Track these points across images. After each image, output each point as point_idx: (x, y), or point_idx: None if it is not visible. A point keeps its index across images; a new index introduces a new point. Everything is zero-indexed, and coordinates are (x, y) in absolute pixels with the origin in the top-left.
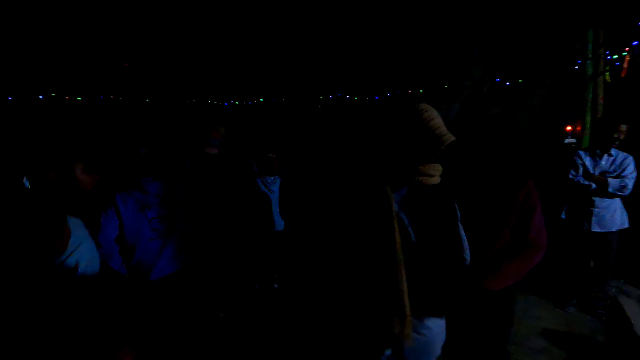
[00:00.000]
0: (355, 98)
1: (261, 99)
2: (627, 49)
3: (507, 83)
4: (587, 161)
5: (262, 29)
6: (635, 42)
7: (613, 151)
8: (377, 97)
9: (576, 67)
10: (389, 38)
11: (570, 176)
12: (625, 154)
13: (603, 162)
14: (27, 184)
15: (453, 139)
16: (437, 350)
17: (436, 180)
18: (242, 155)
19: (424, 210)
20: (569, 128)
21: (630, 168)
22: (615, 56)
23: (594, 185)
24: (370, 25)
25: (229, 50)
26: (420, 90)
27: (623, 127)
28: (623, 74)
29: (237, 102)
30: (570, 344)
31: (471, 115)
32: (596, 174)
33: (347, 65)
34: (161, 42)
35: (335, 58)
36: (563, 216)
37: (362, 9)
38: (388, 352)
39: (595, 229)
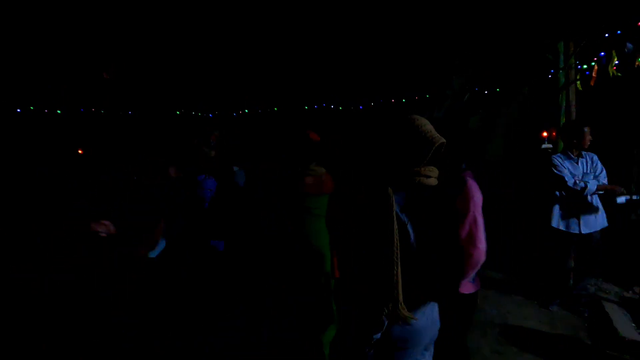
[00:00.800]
0: (340, 108)
1: (259, 110)
2: (594, 59)
3: (486, 92)
4: (568, 165)
5: (252, 46)
6: (602, 53)
7: (584, 153)
8: (361, 107)
9: (549, 76)
10: (373, 49)
11: (570, 184)
12: (590, 153)
13: (580, 165)
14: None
15: (443, 140)
16: (425, 339)
17: (434, 182)
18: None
19: (423, 211)
20: (545, 134)
21: (600, 166)
22: (585, 66)
23: (590, 185)
24: (355, 36)
25: (226, 60)
26: (403, 100)
27: (587, 130)
28: (592, 83)
29: (234, 113)
30: (556, 341)
31: (453, 123)
32: (579, 176)
33: (333, 76)
34: (169, 53)
35: (321, 69)
36: (554, 224)
37: (348, 20)
38: (377, 336)
39: (584, 230)
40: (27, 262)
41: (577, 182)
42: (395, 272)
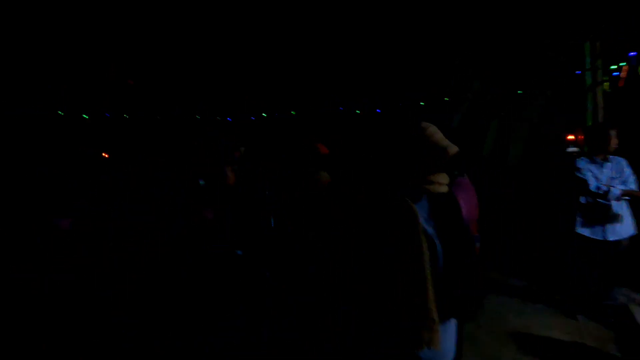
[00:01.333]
0: (357, 112)
1: (264, 114)
2: (623, 60)
3: (507, 94)
4: (593, 169)
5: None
6: (632, 53)
7: (610, 157)
8: (378, 110)
9: (574, 77)
10: (388, 50)
11: (592, 188)
12: (618, 157)
13: (605, 169)
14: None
15: (457, 149)
16: (451, 354)
17: (445, 189)
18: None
19: (443, 220)
20: (571, 137)
21: (629, 171)
22: (614, 67)
23: (614, 190)
24: (368, 35)
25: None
26: (422, 103)
27: (613, 133)
28: (621, 84)
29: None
30: (582, 353)
31: (472, 126)
32: (604, 181)
33: (332, 76)
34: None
35: (320, 69)
36: (578, 230)
37: (348, 20)
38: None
39: (611, 237)
40: (27, 262)
41: (601, 186)
42: (428, 290)
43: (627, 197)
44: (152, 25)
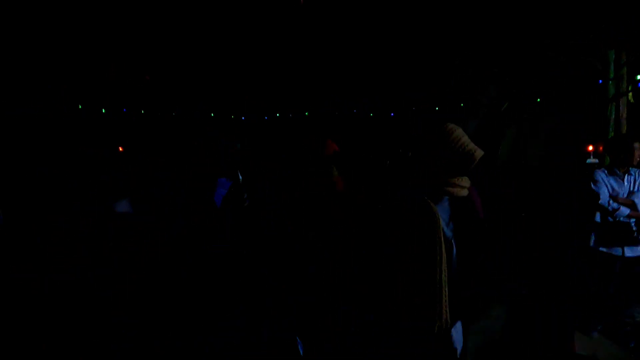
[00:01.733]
0: (371, 115)
1: (277, 114)
2: None
3: (525, 102)
4: (612, 182)
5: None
6: None
7: (631, 170)
8: (392, 114)
9: (598, 87)
10: (388, 50)
11: (602, 202)
12: None
13: (626, 183)
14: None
15: (482, 153)
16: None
17: (465, 192)
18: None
19: (461, 223)
20: (590, 148)
21: None
22: (639, 77)
23: (623, 209)
24: (368, 35)
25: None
26: (437, 108)
27: (637, 145)
28: None
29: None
30: None
31: (487, 133)
32: (623, 195)
33: (346, 78)
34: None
35: (334, 70)
36: (593, 244)
37: (360, 19)
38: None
39: (628, 253)
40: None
41: (611, 202)
42: (442, 294)
43: (632, 219)
44: (152, 24)
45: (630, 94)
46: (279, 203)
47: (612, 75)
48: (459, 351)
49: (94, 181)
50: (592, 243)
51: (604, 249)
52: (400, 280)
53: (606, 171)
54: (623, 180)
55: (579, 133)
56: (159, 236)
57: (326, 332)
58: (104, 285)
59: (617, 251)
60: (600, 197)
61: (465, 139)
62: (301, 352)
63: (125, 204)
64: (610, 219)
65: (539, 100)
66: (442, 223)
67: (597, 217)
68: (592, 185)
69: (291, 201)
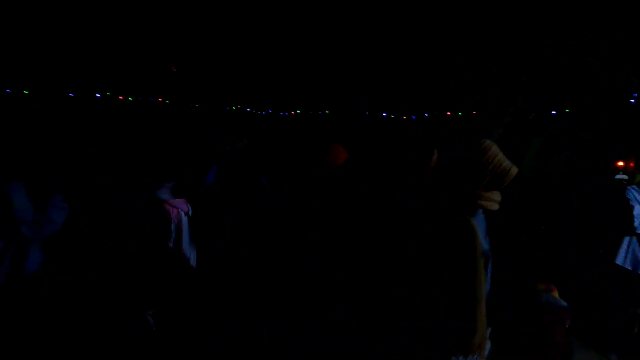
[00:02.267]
0: (392, 116)
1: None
2: None
3: (554, 112)
4: None
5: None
6: None
7: None
8: (414, 117)
9: (632, 100)
10: (388, 50)
11: (636, 224)
12: None
13: None
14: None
15: (517, 170)
16: None
17: (496, 207)
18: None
19: (499, 237)
20: (620, 164)
21: None
22: None
23: None
24: (368, 35)
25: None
26: (460, 113)
27: None
28: None
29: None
30: None
31: (512, 143)
32: None
33: (346, 77)
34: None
35: (334, 70)
36: (619, 261)
37: (360, 19)
38: None
39: None
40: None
41: None
42: (481, 309)
43: None
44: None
45: None
46: (279, 203)
47: None
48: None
49: (94, 181)
50: (618, 260)
51: (630, 267)
52: (439, 295)
53: (637, 189)
54: None
55: (604, 147)
56: (159, 236)
57: (326, 332)
58: (104, 285)
59: None
60: (635, 219)
61: (501, 156)
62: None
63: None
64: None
65: (567, 110)
66: (479, 236)
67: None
68: (624, 204)
69: (291, 201)
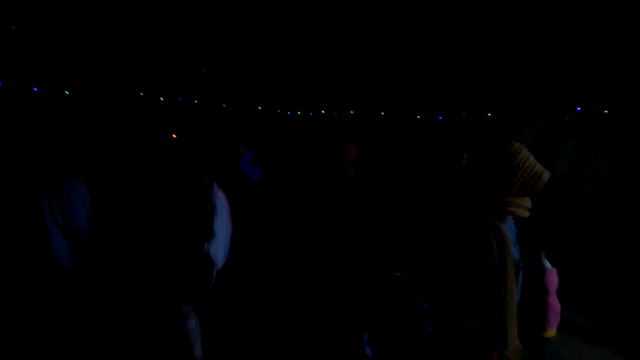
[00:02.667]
0: (418, 117)
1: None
2: None
3: (591, 113)
4: None
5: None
6: None
7: None
8: (440, 118)
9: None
10: (388, 50)
11: None
12: None
13: None
14: None
15: (549, 175)
16: None
17: (527, 213)
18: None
19: (529, 245)
20: None
21: None
22: None
23: None
24: (368, 35)
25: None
26: (489, 114)
27: None
28: None
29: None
30: None
31: (546, 145)
32: None
33: (346, 77)
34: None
35: (334, 70)
36: None
37: (360, 19)
38: None
39: None
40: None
41: None
42: (510, 323)
43: None
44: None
45: None
46: (279, 203)
47: None
48: None
49: (93, 181)
50: None
51: None
52: (465, 306)
53: None
54: None
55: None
56: (159, 236)
57: (326, 332)
58: (104, 285)
59: None
60: None
61: (532, 160)
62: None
63: (126, 204)
64: None
65: (606, 111)
66: (510, 244)
67: None
68: None
69: (291, 201)
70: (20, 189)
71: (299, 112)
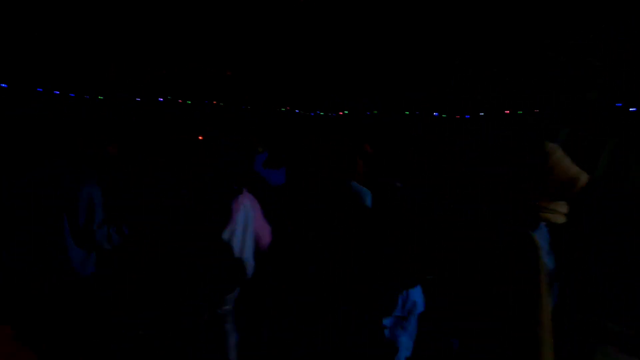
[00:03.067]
0: (444, 115)
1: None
2: None
3: (633, 109)
4: None
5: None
6: None
7: None
8: (467, 117)
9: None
10: (388, 50)
11: None
12: None
13: None
14: None
15: (587, 178)
16: None
17: (564, 219)
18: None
19: (565, 254)
20: None
21: None
22: None
23: None
24: (368, 35)
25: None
26: (519, 112)
27: None
28: None
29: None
30: None
31: (582, 144)
32: None
33: (346, 77)
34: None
35: (334, 70)
36: None
37: (360, 19)
38: None
39: None
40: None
41: None
42: (542, 329)
43: None
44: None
45: None
46: (279, 203)
47: None
48: None
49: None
50: None
51: None
52: (497, 320)
53: None
54: None
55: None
56: (159, 236)
57: (326, 332)
58: (104, 285)
59: None
60: None
61: (568, 161)
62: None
63: (126, 203)
64: None
65: None
66: (543, 253)
67: None
68: None
69: (291, 201)
70: (21, 189)
71: (297, 111)
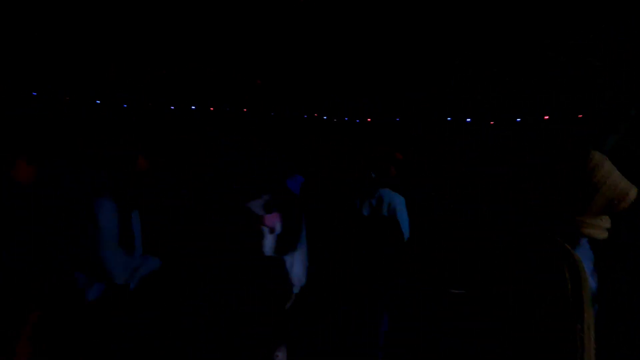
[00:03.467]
0: (448, 119)
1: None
2: None
3: None
4: None
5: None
6: None
7: None
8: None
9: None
10: (388, 50)
11: None
12: None
13: None
14: None
15: (637, 191)
16: None
17: (605, 235)
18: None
19: (609, 274)
20: None
21: None
22: None
23: None
24: (368, 35)
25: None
26: (549, 117)
27: None
28: None
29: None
30: None
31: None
32: None
33: (346, 77)
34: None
35: (334, 70)
36: None
37: (360, 19)
38: None
39: None
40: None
41: None
42: (586, 358)
43: None
44: (152, 23)
45: None
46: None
47: None
48: None
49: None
50: None
51: None
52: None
53: None
54: None
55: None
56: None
57: (326, 331)
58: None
59: None
60: None
61: (616, 174)
62: None
63: (126, 203)
64: None
65: None
66: (585, 271)
67: None
68: None
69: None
70: (21, 189)
71: (297, 112)
